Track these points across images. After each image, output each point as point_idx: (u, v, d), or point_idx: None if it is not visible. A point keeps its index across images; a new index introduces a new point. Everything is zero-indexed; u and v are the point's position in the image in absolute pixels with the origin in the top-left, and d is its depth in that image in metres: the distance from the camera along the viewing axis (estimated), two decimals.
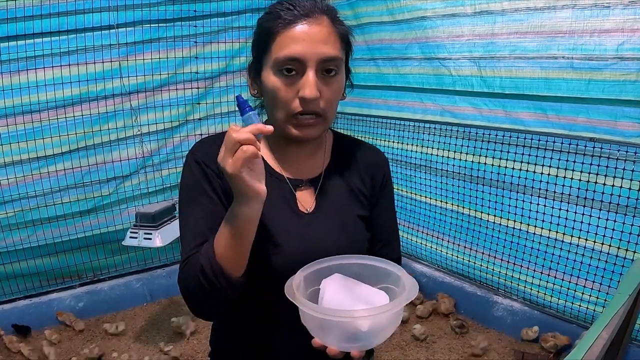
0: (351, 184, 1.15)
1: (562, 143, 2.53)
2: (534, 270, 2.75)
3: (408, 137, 3.28)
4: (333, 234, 1.08)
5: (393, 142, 3.38)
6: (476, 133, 2.91)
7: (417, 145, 3.24)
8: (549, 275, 2.69)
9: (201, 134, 3.35)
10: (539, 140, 2.63)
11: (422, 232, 3.34)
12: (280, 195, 1.07)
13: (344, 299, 0.94)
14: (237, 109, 0.93)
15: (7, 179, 2.82)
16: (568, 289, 2.62)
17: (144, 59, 3.09)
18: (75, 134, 2.95)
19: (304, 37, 0.94)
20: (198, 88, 3.35)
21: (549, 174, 2.61)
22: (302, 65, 0.95)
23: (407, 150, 3.30)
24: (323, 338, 0.89)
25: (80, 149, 2.99)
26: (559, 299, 2.67)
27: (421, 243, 3.36)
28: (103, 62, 2.95)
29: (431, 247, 3.30)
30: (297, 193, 1.09)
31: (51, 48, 2.79)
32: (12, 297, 2.93)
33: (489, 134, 2.84)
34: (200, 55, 3.29)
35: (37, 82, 2.79)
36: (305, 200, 1.09)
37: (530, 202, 2.72)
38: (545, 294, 2.74)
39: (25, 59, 2.74)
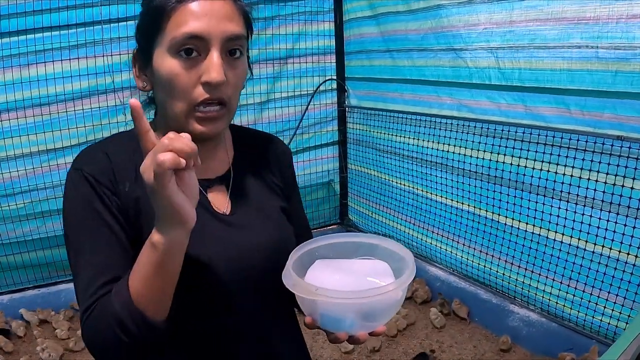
0: (264, 176, 1.05)
1: (586, 141, 2.30)
2: (553, 280, 2.54)
3: (424, 133, 3.11)
4: (260, 232, 0.97)
5: (409, 137, 3.22)
6: (494, 129, 2.71)
7: (433, 142, 3.06)
8: (569, 285, 2.47)
9: None
10: (561, 137, 2.40)
11: (437, 234, 3.16)
12: None
13: (350, 280, 0.88)
14: None
15: (17, 171, 2.86)
16: (589, 301, 2.39)
17: None
18: (85, 126, 2.96)
19: (206, 13, 0.83)
20: None
21: (571, 175, 2.38)
22: (204, 45, 0.84)
23: (423, 146, 3.13)
24: (343, 326, 0.82)
25: (89, 141, 2.99)
26: (578, 311, 2.45)
27: (436, 245, 3.19)
28: (112, 55, 2.93)
29: (446, 249, 3.12)
30: (209, 195, 0.97)
31: (60, 41, 2.80)
32: (22, 287, 3.00)
33: (508, 131, 2.64)
34: None
35: (47, 76, 2.81)
36: (219, 201, 0.97)
37: (551, 206, 2.49)
38: (564, 305, 2.52)
39: (34, 53, 2.77)
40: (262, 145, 1.10)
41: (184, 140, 0.70)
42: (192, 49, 0.83)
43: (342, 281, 0.87)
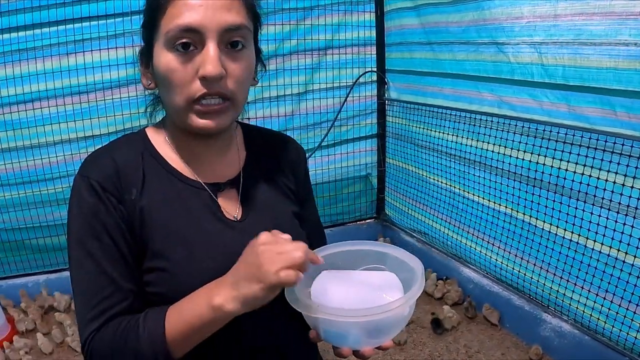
0: (276, 179, 1.02)
1: (632, 146, 2.13)
2: (589, 291, 2.39)
3: (463, 130, 2.98)
4: None
5: (447, 134, 3.10)
6: (535, 129, 2.56)
7: (472, 139, 2.93)
8: (604, 298, 2.31)
9: (248, 118, 3.29)
10: (605, 141, 2.24)
11: (472, 234, 3.05)
12: (201, 205, 0.92)
13: (356, 293, 0.86)
14: None
15: (57, 156, 2.96)
16: (624, 316, 2.23)
17: None
18: (122, 114, 3.03)
19: (201, 4, 0.80)
20: None
21: (614, 182, 2.22)
22: (200, 38, 0.81)
23: (461, 144, 3.02)
24: (347, 342, 0.81)
25: (126, 129, 3.06)
26: (613, 326, 2.29)
27: (470, 246, 3.08)
28: None
29: (480, 251, 3.01)
30: (219, 199, 0.95)
31: (98, 31, 2.87)
32: (58, 268, 3.12)
33: (550, 131, 2.48)
34: None
35: (86, 65, 2.88)
36: (230, 206, 0.95)
37: (592, 213, 2.34)
38: (599, 318, 2.37)
39: (74, 42, 2.84)
40: (275, 146, 1.07)
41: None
42: (188, 42, 0.81)
43: (348, 295, 0.85)
